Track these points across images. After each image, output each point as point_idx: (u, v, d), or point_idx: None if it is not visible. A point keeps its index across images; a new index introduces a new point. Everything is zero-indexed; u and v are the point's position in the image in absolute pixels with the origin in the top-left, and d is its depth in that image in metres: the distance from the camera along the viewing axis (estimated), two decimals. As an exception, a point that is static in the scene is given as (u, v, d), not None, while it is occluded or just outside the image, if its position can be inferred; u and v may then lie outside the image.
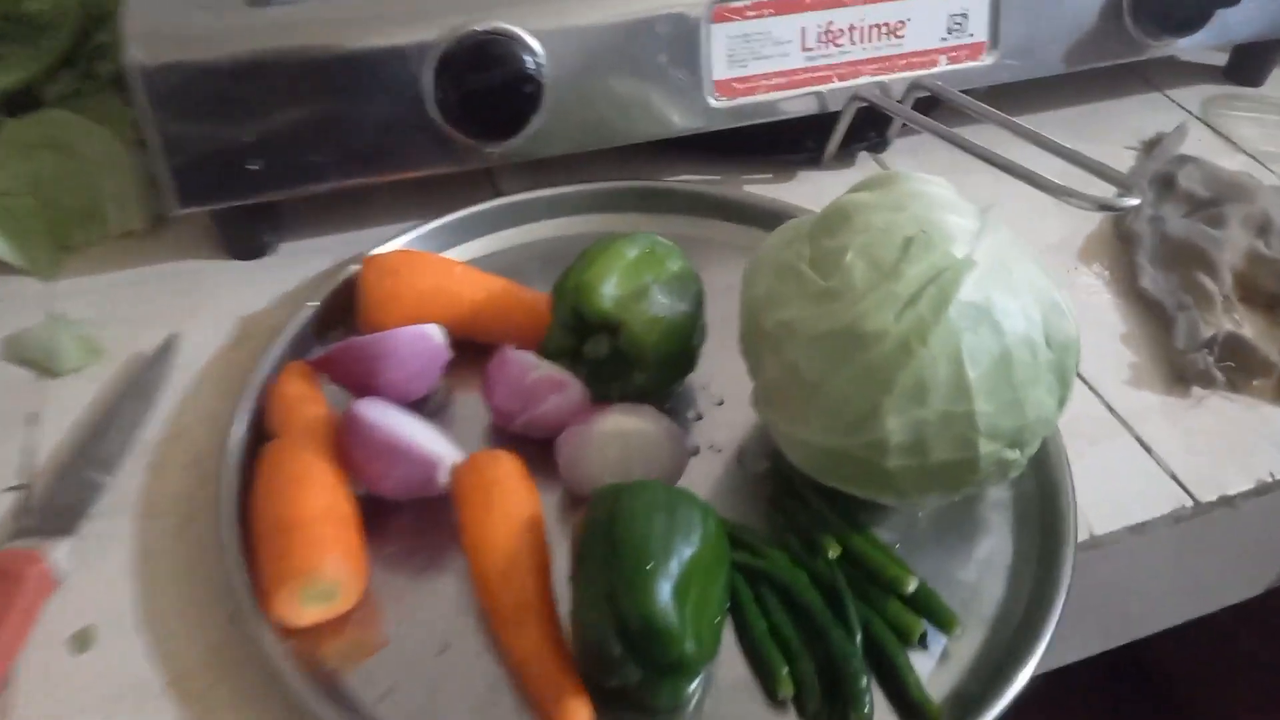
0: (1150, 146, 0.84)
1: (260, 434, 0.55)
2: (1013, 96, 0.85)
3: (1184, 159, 0.80)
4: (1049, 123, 0.86)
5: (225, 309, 0.65)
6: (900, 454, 0.47)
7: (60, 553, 0.50)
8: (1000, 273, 0.47)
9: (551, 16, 0.64)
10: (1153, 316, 0.68)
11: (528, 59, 0.63)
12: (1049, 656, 0.58)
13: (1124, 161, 0.83)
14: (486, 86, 0.62)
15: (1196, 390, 0.64)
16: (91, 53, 0.75)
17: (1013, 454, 0.48)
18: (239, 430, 0.55)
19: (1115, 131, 0.86)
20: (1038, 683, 0.49)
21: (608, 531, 0.46)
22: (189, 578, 0.51)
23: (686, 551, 0.45)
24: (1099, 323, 0.69)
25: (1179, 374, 0.64)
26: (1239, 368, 0.64)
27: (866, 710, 0.45)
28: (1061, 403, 0.50)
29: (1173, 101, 0.90)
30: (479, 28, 0.62)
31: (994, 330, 0.46)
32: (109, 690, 0.47)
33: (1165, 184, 0.78)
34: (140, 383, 0.59)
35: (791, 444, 0.51)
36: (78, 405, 0.59)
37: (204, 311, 0.65)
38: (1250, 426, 0.62)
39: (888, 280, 0.46)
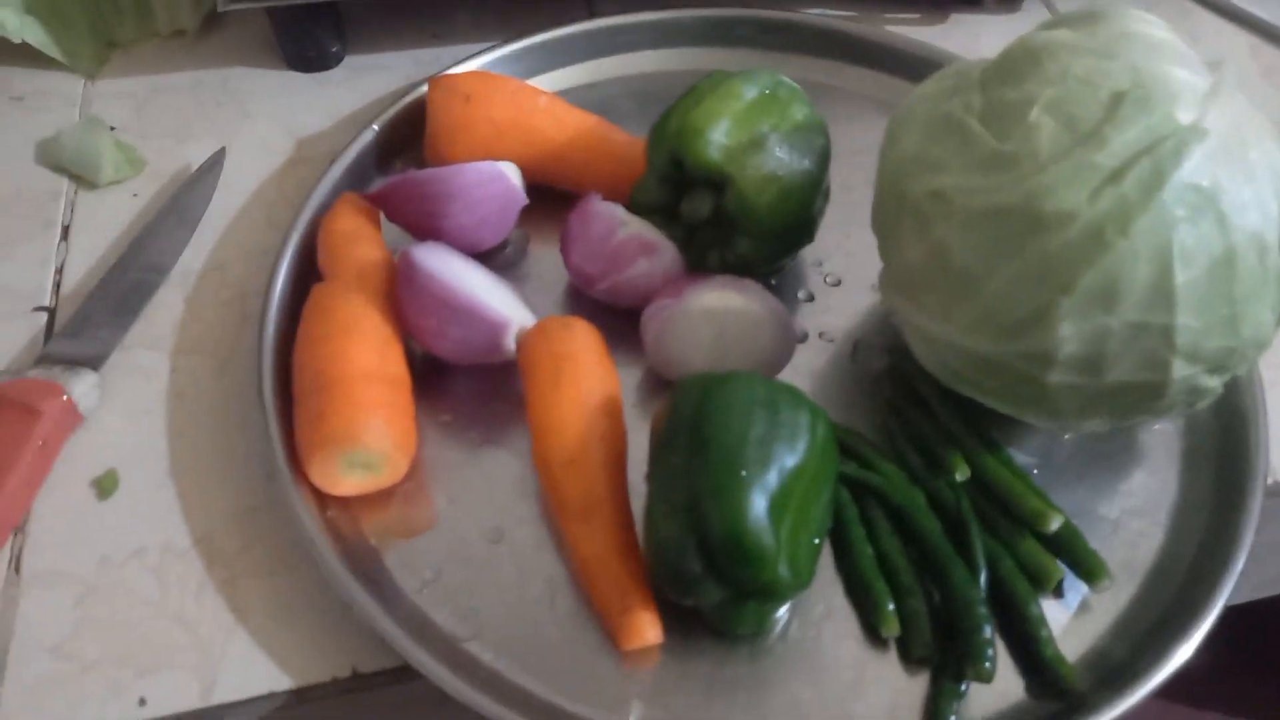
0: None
1: (311, 271, 0.48)
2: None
3: None
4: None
5: (280, 127, 0.57)
6: (1068, 369, 0.37)
7: (84, 386, 0.45)
8: (1234, 149, 0.36)
9: None
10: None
11: None
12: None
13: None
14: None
15: None
16: None
17: (1212, 381, 0.38)
18: (285, 267, 0.48)
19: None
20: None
21: (695, 428, 0.38)
22: (224, 426, 0.46)
23: (789, 460, 0.38)
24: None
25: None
26: None
27: (988, 666, 0.38)
28: (1280, 321, 0.40)
29: None
30: None
31: (1219, 224, 0.35)
32: (130, 542, 0.43)
33: None
34: (182, 203, 0.53)
35: (926, 341, 0.42)
36: (115, 222, 0.53)
37: (256, 127, 0.57)
38: None
39: (1085, 147, 0.36)
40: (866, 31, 0.62)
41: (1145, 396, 0.38)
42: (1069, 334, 0.37)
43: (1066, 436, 0.46)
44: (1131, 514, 0.45)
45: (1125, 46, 0.38)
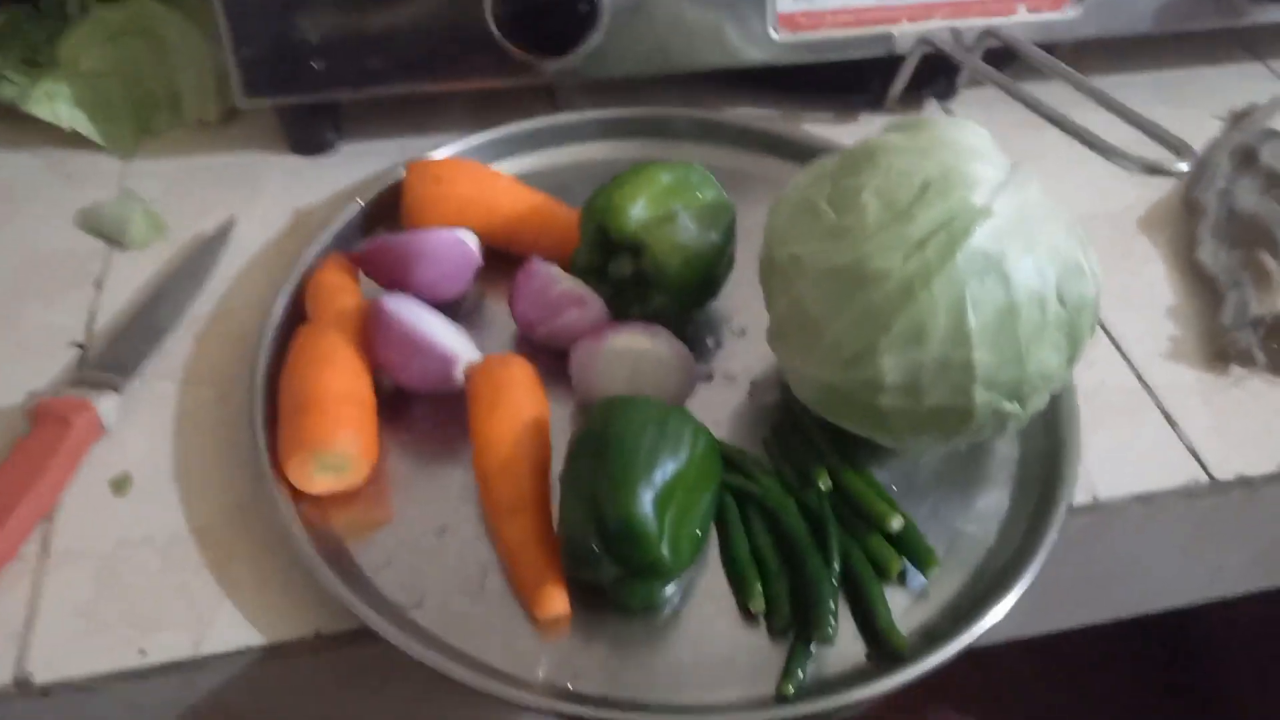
0: (1238, 118, 0.80)
1: (299, 318, 0.58)
2: (1099, 53, 0.82)
3: (1272, 133, 0.76)
4: (1134, 85, 0.83)
5: (282, 201, 0.69)
6: (894, 394, 0.47)
7: (109, 405, 0.55)
8: (1019, 227, 0.47)
9: (615, -64, 0.65)
10: (1204, 291, 0.66)
11: (587, -23, 0.64)
12: (1048, 617, 0.58)
13: (1209, 131, 0.79)
14: (542, 2, 0.63)
15: (1236, 370, 0.62)
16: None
17: (1011, 406, 0.48)
18: (278, 312, 0.58)
19: (1205, 100, 0.82)
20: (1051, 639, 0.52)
21: (600, 437, 0.48)
22: (221, 440, 0.56)
23: (671, 465, 0.47)
24: (1147, 293, 0.67)
25: (1220, 351, 0.62)
26: (1284, 352, 0.62)
27: (829, 630, 0.47)
28: (1070, 361, 0.49)
29: (1275, 74, 0.85)
30: (540, -58, 0.63)
31: (1002, 281, 0.46)
32: (140, 530, 0.52)
33: (1246, 157, 0.74)
34: (197, 261, 0.63)
35: (796, 378, 0.52)
36: (140, 277, 0.64)
37: (263, 201, 0.69)
38: (1285, 412, 0.60)
39: (899, 222, 0.46)
40: (777, 128, 0.73)
41: (958, 418, 0.48)
42: (890, 365, 0.46)
43: (922, 462, 0.56)
44: (971, 523, 0.54)
45: (940, 148, 0.49)
